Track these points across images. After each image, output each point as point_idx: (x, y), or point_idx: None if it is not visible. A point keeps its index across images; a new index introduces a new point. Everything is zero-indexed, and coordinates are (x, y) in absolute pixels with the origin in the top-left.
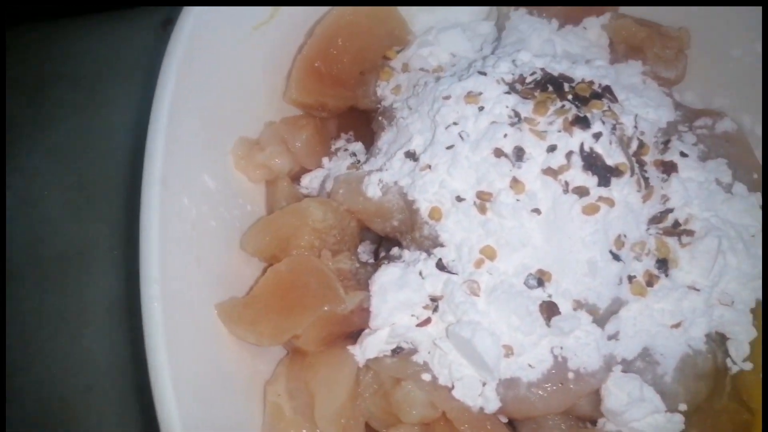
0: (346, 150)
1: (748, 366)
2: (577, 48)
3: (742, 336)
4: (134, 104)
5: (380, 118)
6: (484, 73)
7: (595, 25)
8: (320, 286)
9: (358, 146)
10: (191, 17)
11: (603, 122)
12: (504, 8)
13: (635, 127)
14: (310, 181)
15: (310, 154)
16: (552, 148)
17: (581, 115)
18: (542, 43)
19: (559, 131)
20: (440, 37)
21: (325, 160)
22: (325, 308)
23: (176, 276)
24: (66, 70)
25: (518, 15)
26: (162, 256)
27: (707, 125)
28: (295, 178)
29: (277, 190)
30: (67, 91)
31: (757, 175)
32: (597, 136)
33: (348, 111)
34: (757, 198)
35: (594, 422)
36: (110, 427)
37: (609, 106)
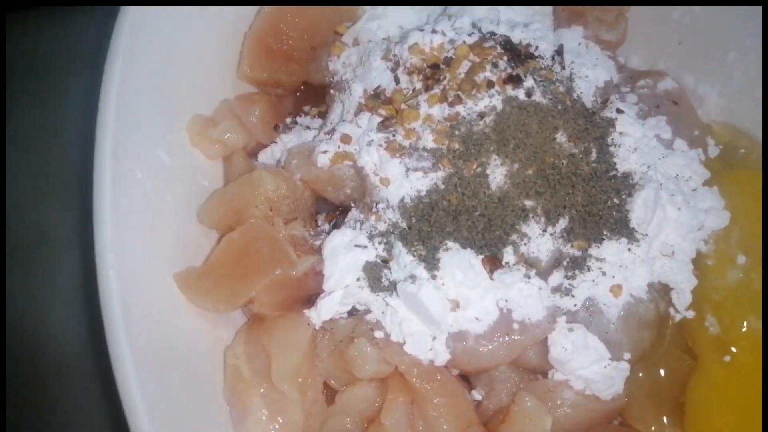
0: (301, 125)
1: (690, 314)
2: (521, 16)
3: (684, 285)
4: (94, 93)
5: (332, 91)
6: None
7: None
8: (272, 251)
9: (313, 121)
10: None
11: (535, 79)
12: None
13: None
14: (266, 157)
15: (265, 129)
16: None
17: (514, 73)
18: (487, 11)
19: (496, 91)
20: (388, 11)
21: (281, 136)
22: (278, 271)
23: (131, 245)
24: (24, 62)
25: None
26: (115, 225)
27: (648, 85)
28: (253, 155)
29: (232, 165)
30: (27, 82)
31: (698, 132)
32: (529, 92)
33: (304, 89)
34: (698, 153)
35: (545, 375)
36: (82, 403)
37: (545, 66)
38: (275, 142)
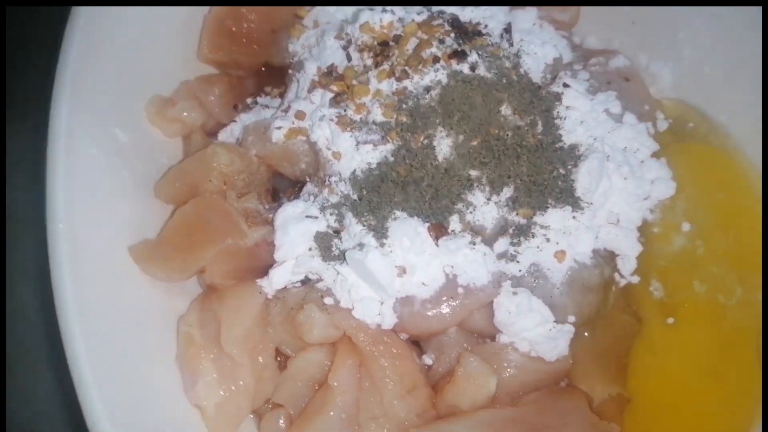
0: (261, 105)
1: (635, 279)
2: None
3: (629, 251)
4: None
5: (290, 71)
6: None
7: None
8: (223, 222)
9: (273, 101)
10: None
11: (479, 54)
12: None
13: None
14: (226, 136)
15: (224, 108)
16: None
17: (459, 49)
18: None
19: (442, 66)
20: None
21: (240, 115)
22: (228, 241)
23: (84, 218)
24: None
25: None
26: (68, 199)
27: (600, 63)
28: (213, 134)
29: (191, 143)
30: None
31: (648, 107)
32: (473, 67)
33: (266, 70)
34: (647, 127)
35: (493, 339)
36: (44, 381)
37: (492, 43)
38: (235, 122)
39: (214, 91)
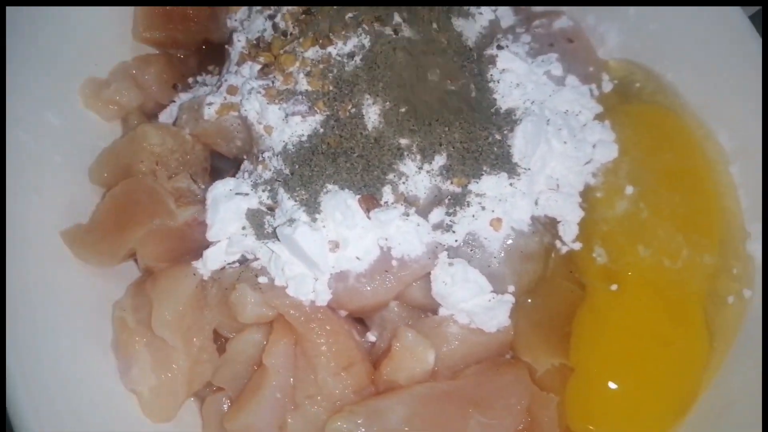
0: (201, 83)
1: (577, 245)
2: None
3: (570, 217)
4: None
5: (226, 46)
6: None
7: None
8: (151, 202)
9: (213, 79)
10: None
11: (404, 18)
12: None
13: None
14: (166, 116)
15: (162, 88)
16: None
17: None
18: None
19: (364, 30)
20: None
21: (180, 95)
22: (156, 221)
23: (13, 206)
24: None
25: None
26: None
27: (543, 24)
28: (154, 115)
29: (128, 125)
30: None
31: (592, 68)
32: (397, 29)
33: (208, 48)
34: (591, 89)
35: (436, 313)
36: None
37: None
38: (174, 102)
39: (150, 71)
